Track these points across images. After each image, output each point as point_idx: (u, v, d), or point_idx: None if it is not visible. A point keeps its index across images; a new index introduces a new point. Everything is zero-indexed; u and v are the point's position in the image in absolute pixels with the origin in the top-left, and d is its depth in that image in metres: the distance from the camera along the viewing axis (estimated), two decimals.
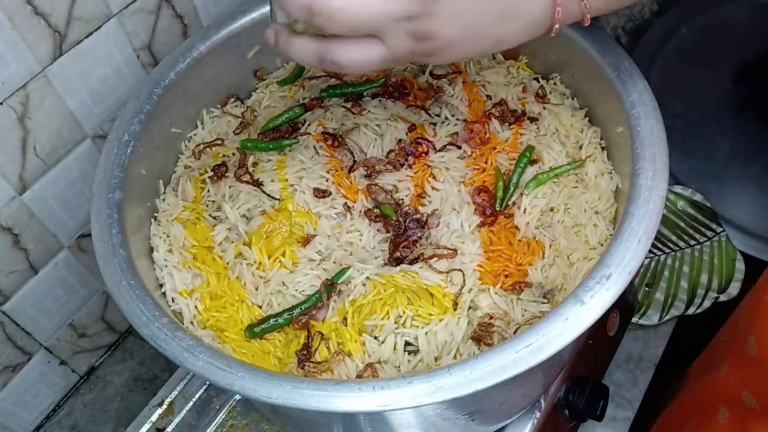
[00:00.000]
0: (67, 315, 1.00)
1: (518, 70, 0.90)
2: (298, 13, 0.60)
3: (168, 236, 0.79)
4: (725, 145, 1.19)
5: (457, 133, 0.84)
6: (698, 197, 1.12)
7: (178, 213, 0.80)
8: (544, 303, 0.73)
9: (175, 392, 0.78)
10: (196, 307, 0.74)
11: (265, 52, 0.92)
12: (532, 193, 0.79)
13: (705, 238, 1.10)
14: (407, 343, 0.71)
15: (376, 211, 0.78)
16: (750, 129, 1.20)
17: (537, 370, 0.60)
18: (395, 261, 0.75)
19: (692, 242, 1.11)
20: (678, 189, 1.13)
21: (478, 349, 0.69)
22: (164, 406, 0.78)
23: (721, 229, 1.09)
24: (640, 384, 1.02)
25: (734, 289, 1.06)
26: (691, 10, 1.32)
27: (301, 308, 0.73)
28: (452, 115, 0.85)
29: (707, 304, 1.05)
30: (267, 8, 0.88)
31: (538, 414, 0.85)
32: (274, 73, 0.95)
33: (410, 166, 0.81)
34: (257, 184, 0.79)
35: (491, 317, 0.71)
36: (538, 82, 0.89)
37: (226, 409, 0.73)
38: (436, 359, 0.70)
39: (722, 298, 1.05)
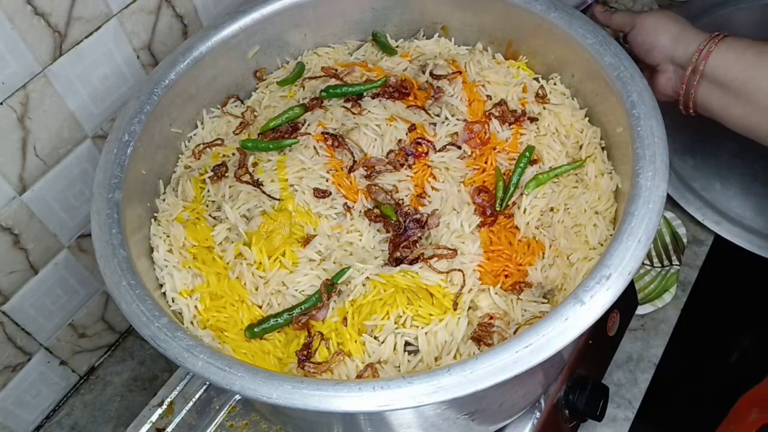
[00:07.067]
0: (67, 315, 0.99)
1: (518, 70, 0.90)
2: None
3: (168, 236, 0.79)
4: (729, 143, 1.19)
5: (457, 133, 0.84)
6: (681, 230, 1.11)
7: (178, 213, 0.80)
8: (544, 303, 0.73)
9: (175, 392, 0.78)
10: (196, 307, 0.74)
11: (265, 52, 0.93)
12: (532, 193, 0.79)
13: (660, 267, 1.10)
14: (407, 343, 0.71)
15: (376, 211, 0.78)
16: None
17: (537, 370, 0.60)
18: (395, 261, 0.75)
19: (652, 265, 1.11)
20: (667, 215, 1.13)
21: (478, 349, 0.69)
22: (164, 406, 0.78)
23: (678, 265, 1.09)
24: (640, 384, 1.01)
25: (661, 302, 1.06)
26: (692, 10, 1.32)
27: (301, 308, 0.73)
28: (452, 115, 0.85)
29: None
30: (267, 8, 0.88)
31: (538, 414, 0.85)
32: (274, 73, 0.95)
33: (410, 166, 0.81)
34: (257, 184, 0.79)
35: (491, 317, 0.71)
36: (538, 82, 0.89)
37: (226, 409, 0.72)
38: (436, 359, 0.70)
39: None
